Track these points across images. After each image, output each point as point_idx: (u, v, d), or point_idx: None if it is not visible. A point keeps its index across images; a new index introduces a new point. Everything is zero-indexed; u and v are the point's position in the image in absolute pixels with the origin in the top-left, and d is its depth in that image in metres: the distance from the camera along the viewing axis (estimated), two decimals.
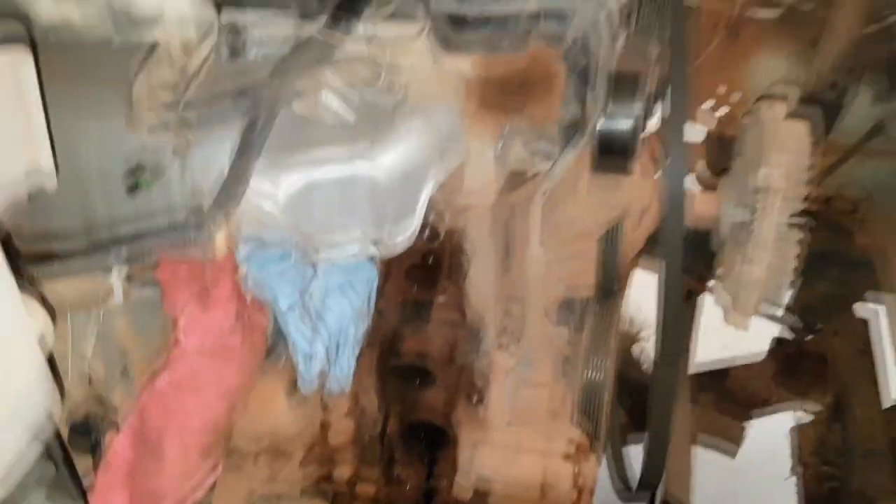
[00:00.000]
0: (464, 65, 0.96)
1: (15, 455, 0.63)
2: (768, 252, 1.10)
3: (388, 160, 0.97)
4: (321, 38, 0.85)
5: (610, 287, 1.33)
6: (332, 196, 0.97)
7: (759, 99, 1.27)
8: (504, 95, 0.99)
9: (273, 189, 0.95)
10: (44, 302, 0.66)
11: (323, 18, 0.92)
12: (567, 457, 1.24)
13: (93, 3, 0.51)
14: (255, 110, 0.85)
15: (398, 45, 0.89)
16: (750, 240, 1.11)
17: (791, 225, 1.12)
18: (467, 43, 0.92)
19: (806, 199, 1.18)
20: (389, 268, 1.13)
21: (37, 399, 0.63)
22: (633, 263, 1.47)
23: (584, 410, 1.33)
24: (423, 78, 0.97)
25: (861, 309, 2.00)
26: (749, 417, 2.15)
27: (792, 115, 1.19)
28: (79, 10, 0.50)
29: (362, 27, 0.86)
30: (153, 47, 0.65)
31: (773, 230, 1.10)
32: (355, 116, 0.99)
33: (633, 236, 1.28)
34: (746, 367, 2.25)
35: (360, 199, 0.98)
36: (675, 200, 1.15)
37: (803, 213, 1.22)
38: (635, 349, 1.91)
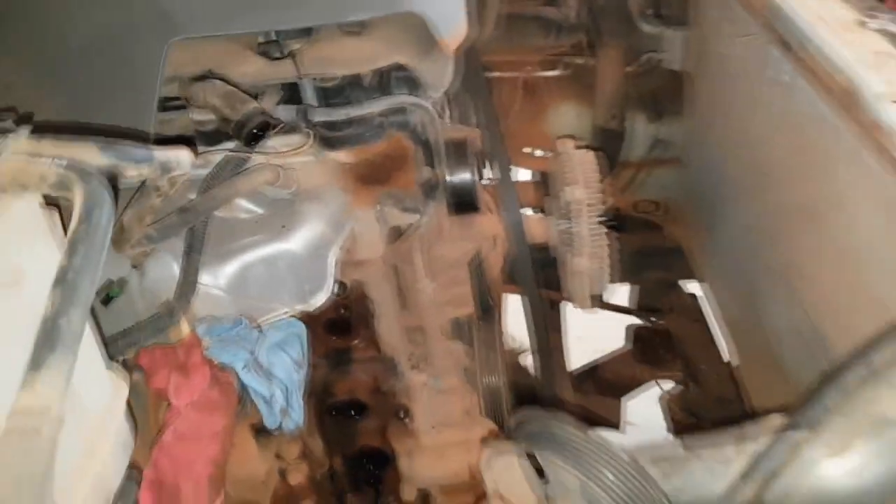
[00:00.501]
0: (341, 156, 1.27)
1: None
2: (587, 246, 1.47)
3: (298, 238, 1.25)
4: (234, 157, 1.14)
5: (486, 303, 1.66)
6: (261, 272, 1.23)
7: (559, 138, 1.68)
8: (374, 172, 1.30)
9: (215, 276, 1.20)
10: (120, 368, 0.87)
11: (226, 142, 1.22)
12: (484, 441, 1.52)
13: (154, 168, 0.74)
14: (194, 219, 1.12)
15: (290, 152, 1.19)
16: (573, 240, 1.49)
17: (599, 223, 1.51)
18: (340, 140, 1.23)
19: (608, 205, 1.58)
20: (311, 326, 1.38)
21: (119, 464, 0.82)
22: (501, 282, 1.80)
23: (487, 410, 1.62)
24: (311, 171, 1.28)
25: (686, 286, 2.47)
26: (624, 395, 2.54)
27: (581, 147, 1.61)
28: (150, 173, 0.73)
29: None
30: (144, 182, 0.90)
31: (587, 229, 1.47)
32: (264, 209, 1.28)
33: (493, 259, 1.62)
34: (613, 357, 2.66)
35: (283, 271, 1.24)
36: (515, 226, 1.52)
37: (615, 217, 1.62)
38: (520, 359, 2.24)
